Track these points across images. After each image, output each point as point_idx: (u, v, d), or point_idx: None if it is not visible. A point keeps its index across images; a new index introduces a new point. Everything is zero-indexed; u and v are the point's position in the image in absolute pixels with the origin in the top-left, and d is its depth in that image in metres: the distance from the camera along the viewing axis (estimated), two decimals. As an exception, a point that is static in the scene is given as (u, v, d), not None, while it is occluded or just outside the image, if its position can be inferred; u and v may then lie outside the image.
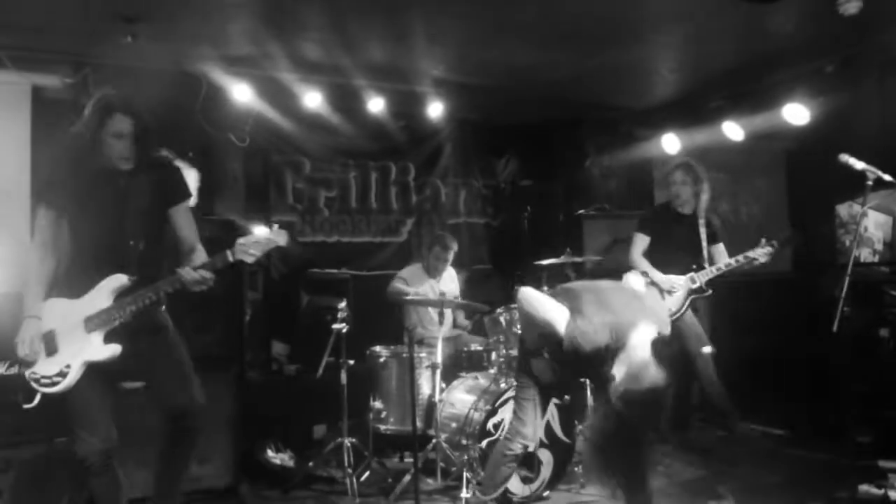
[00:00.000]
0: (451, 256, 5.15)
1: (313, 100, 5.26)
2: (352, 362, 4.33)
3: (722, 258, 4.48)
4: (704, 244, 4.51)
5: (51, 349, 2.78)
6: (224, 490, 4.00)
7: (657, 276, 4.48)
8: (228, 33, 4.42)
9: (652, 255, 4.59)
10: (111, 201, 2.84)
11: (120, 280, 2.81)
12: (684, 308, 4.44)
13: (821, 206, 5.52)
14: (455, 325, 5.26)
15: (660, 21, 4.35)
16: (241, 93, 5.04)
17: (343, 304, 4.30)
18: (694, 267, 4.47)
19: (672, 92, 5.72)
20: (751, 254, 4.31)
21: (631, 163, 6.27)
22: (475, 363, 4.61)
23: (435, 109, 5.65)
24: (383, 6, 4.11)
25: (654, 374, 2.68)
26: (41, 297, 2.81)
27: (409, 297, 4.84)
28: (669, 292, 4.45)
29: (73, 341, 2.77)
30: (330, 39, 4.56)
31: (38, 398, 2.75)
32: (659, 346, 2.78)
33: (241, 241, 2.76)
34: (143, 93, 4.28)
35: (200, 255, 2.93)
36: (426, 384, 4.40)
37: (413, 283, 5.09)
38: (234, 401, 4.07)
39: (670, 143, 5.74)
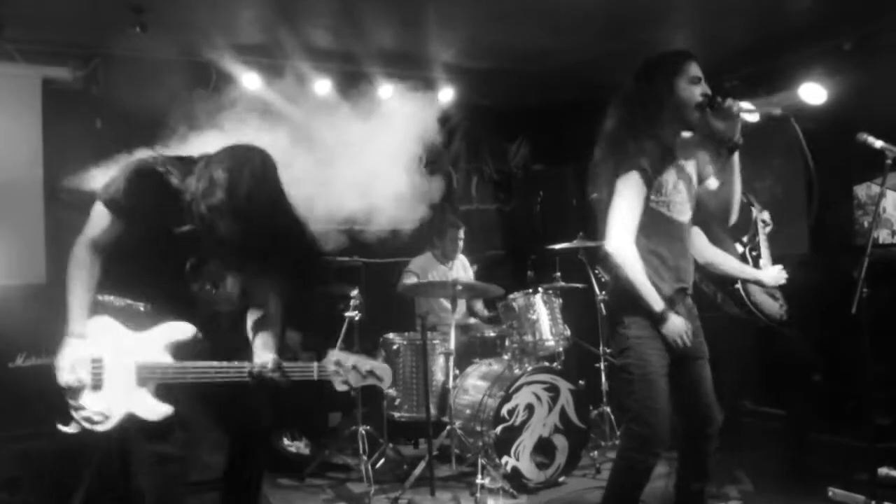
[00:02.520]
0: (462, 235, 5.12)
1: (323, 87, 5.24)
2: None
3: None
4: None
5: (97, 383, 2.36)
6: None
7: (758, 274, 3.79)
8: (237, 22, 4.41)
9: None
10: (189, 237, 2.41)
11: (183, 332, 2.43)
12: None
13: (838, 187, 5.43)
14: (473, 312, 5.23)
15: (673, 0, 4.29)
16: (251, 82, 5.02)
17: (355, 292, 4.30)
18: (754, 254, 3.89)
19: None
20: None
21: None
22: (489, 350, 4.61)
23: (445, 95, 5.61)
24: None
25: None
26: (85, 312, 2.37)
27: (421, 283, 4.82)
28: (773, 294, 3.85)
29: (120, 384, 2.37)
30: (340, 26, 4.54)
31: (75, 427, 2.36)
32: None
33: (337, 358, 2.40)
34: (152, 83, 4.33)
35: (273, 326, 2.56)
36: (440, 371, 4.40)
37: (425, 273, 5.07)
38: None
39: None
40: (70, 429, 2.37)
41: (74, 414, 2.35)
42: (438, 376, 4.40)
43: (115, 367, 2.38)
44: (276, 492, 4.01)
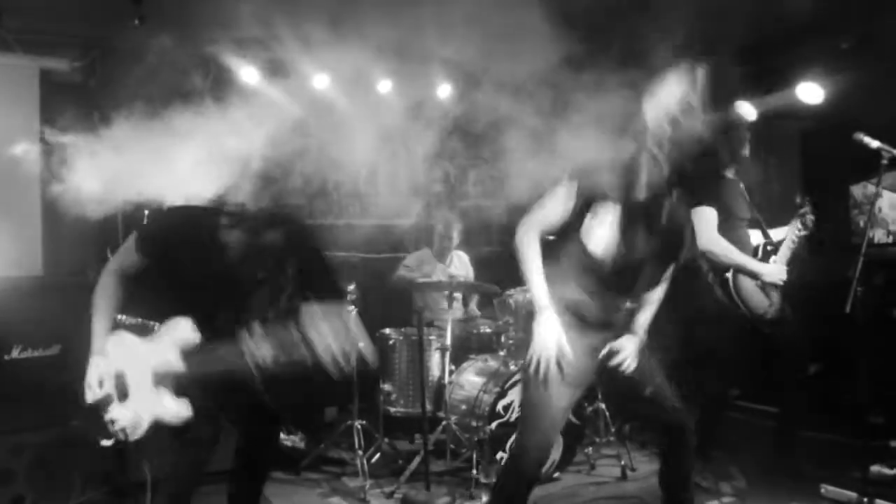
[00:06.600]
0: (455, 235, 5.11)
1: (322, 82, 5.23)
2: (362, 345, 4.34)
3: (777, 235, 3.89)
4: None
5: (122, 394, 2.52)
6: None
7: (759, 266, 3.74)
8: (237, 14, 4.39)
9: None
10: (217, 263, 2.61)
11: (189, 336, 2.54)
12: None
13: (834, 186, 5.45)
14: (466, 312, 5.23)
15: (671, -1, 4.28)
16: (249, 75, 5.01)
17: (352, 287, 4.30)
18: (770, 248, 3.87)
19: (684, 71, 5.63)
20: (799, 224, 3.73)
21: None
22: (485, 345, 4.62)
23: (444, 91, 5.61)
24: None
25: None
26: (106, 331, 2.56)
27: (416, 281, 4.82)
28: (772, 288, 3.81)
29: (142, 389, 2.52)
30: (339, 20, 4.52)
31: (112, 440, 2.52)
32: None
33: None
34: (150, 76, 4.31)
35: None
36: (436, 366, 4.41)
37: (420, 268, 5.07)
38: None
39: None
40: (108, 442, 2.52)
41: (110, 427, 2.50)
42: (434, 372, 4.41)
43: (135, 375, 2.52)
44: (272, 486, 4.01)
